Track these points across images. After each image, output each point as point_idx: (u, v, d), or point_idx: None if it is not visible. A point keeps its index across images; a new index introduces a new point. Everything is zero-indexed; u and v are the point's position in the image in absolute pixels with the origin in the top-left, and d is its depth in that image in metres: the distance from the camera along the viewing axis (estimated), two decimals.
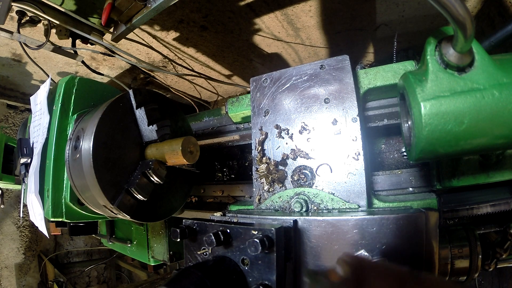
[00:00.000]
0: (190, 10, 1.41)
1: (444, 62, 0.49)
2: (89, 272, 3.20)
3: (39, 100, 1.03)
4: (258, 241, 0.46)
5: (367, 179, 0.65)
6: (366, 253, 0.48)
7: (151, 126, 0.78)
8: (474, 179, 0.70)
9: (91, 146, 0.70)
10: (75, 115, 0.92)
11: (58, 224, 1.26)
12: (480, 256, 0.76)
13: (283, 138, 0.74)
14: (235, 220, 0.63)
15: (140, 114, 0.79)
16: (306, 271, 0.45)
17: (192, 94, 2.36)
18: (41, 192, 0.91)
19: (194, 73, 1.88)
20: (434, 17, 1.44)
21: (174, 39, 1.65)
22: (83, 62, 1.44)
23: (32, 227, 2.71)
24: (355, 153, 0.66)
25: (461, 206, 0.74)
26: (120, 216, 0.79)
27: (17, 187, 1.37)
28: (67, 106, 0.93)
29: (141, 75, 2.12)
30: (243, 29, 1.58)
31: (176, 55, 1.83)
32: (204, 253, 0.56)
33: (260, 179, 0.73)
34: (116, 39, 1.20)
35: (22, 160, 1.01)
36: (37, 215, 0.93)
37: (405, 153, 0.81)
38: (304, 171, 0.70)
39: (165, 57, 1.84)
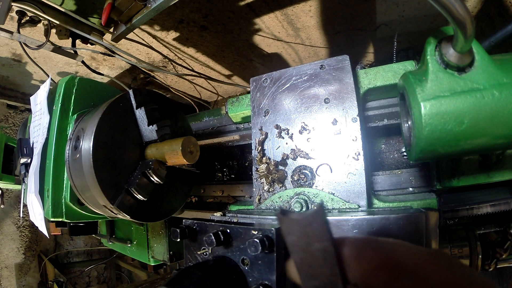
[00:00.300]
0: (190, 10, 1.41)
1: (444, 62, 0.49)
2: (89, 272, 3.20)
3: (39, 100, 1.03)
4: (258, 241, 0.46)
5: (367, 179, 0.65)
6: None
7: (151, 126, 0.78)
8: (474, 179, 0.70)
9: (91, 146, 0.70)
10: (75, 115, 0.92)
11: (58, 224, 1.26)
12: (480, 256, 0.76)
13: (283, 138, 0.74)
14: (235, 220, 0.63)
15: (140, 114, 0.79)
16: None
17: (192, 94, 2.36)
18: (41, 192, 0.91)
19: (194, 73, 1.88)
20: (434, 17, 1.44)
21: (174, 39, 1.65)
22: (83, 62, 1.44)
23: (32, 227, 2.71)
24: (355, 153, 0.66)
25: (461, 206, 0.74)
26: (120, 216, 0.79)
27: (17, 187, 1.37)
28: (67, 106, 0.93)
29: (141, 75, 2.12)
30: (243, 29, 1.58)
31: (176, 55, 1.83)
32: (204, 253, 0.56)
33: (260, 179, 0.73)
34: (116, 39, 1.20)
35: (22, 160, 1.01)
36: (37, 215, 0.93)
37: (405, 153, 0.81)
38: (304, 171, 0.70)
39: (165, 57, 1.84)
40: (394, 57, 1.00)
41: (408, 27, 1.53)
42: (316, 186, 0.68)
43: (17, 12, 1.17)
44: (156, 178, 0.74)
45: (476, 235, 0.77)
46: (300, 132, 0.72)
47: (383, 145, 0.86)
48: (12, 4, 1.04)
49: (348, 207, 0.63)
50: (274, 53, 1.83)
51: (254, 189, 0.75)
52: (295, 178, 0.70)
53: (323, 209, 0.23)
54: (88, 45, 1.30)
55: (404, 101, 0.57)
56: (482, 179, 0.69)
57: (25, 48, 1.26)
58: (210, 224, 0.57)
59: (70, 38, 1.25)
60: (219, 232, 0.53)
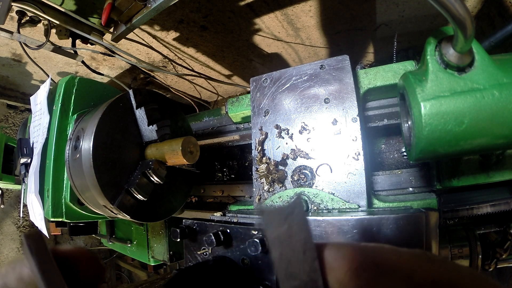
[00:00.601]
0: (190, 10, 1.41)
1: (444, 62, 0.49)
2: None
3: (39, 100, 1.03)
4: (258, 241, 0.46)
5: (367, 179, 0.65)
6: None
7: (151, 126, 0.78)
8: (474, 179, 0.70)
9: (91, 146, 0.70)
10: (75, 115, 0.92)
11: (58, 224, 1.26)
12: (480, 256, 0.76)
13: (283, 138, 0.74)
14: (235, 220, 0.63)
15: (140, 114, 0.79)
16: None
17: (192, 94, 2.36)
18: (41, 192, 0.91)
19: (194, 73, 1.88)
20: (434, 17, 1.44)
21: (174, 39, 1.65)
22: (83, 62, 1.44)
23: (32, 227, 2.71)
24: (355, 153, 0.66)
25: (461, 206, 0.74)
26: (120, 216, 0.79)
27: (17, 187, 1.37)
28: (67, 106, 0.93)
29: (141, 75, 2.12)
30: (243, 29, 1.58)
31: (176, 55, 1.83)
32: (204, 253, 0.56)
33: (260, 179, 0.73)
34: (116, 39, 1.20)
35: (22, 160, 1.01)
36: (37, 215, 0.93)
37: (405, 153, 0.81)
38: (304, 171, 0.70)
39: (165, 57, 1.84)
40: (394, 57, 1.00)
41: (408, 27, 1.53)
42: (316, 186, 0.68)
43: (17, 12, 1.17)
44: (156, 178, 0.74)
45: (476, 235, 0.77)
46: (300, 132, 0.72)
47: (383, 145, 0.86)
48: (12, 4, 1.04)
49: (348, 207, 0.63)
50: (274, 53, 1.83)
51: (254, 189, 0.75)
52: (295, 178, 0.70)
53: (301, 200, 0.23)
54: (88, 45, 1.30)
55: (404, 101, 0.57)
56: (482, 179, 0.69)
57: (25, 48, 1.26)
58: (210, 224, 0.57)
59: (70, 38, 1.25)
60: (219, 232, 0.53)
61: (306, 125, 0.72)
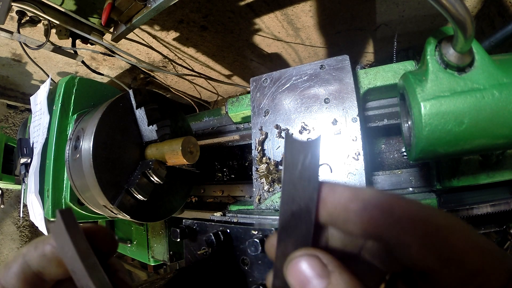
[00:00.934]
0: (190, 10, 1.41)
1: (444, 62, 0.49)
2: None
3: (39, 100, 1.03)
4: (258, 241, 0.46)
5: (367, 179, 0.65)
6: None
7: (151, 126, 0.78)
8: (474, 179, 0.70)
9: (91, 146, 0.70)
10: (75, 115, 0.92)
11: None
12: None
13: (283, 138, 0.74)
14: (235, 220, 0.63)
15: (140, 114, 0.79)
16: None
17: (192, 94, 2.36)
18: (41, 192, 0.91)
19: (194, 73, 1.88)
20: (434, 17, 1.44)
21: (174, 39, 1.65)
22: (83, 62, 1.44)
23: (32, 227, 2.71)
24: (355, 153, 0.66)
25: (461, 206, 0.74)
26: (120, 216, 0.79)
27: (17, 187, 1.37)
28: (67, 106, 0.93)
29: (141, 75, 2.12)
30: (243, 29, 1.58)
31: (176, 55, 1.83)
32: (204, 253, 0.56)
33: (260, 179, 0.73)
34: (116, 39, 1.20)
35: (22, 160, 1.01)
36: (37, 215, 0.93)
37: (405, 153, 0.81)
38: None
39: (165, 57, 1.84)
40: (394, 57, 1.00)
41: (408, 27, 1.53)
42: None
43: (17, 12, 1.17)
44: (156, 178, 0.74)
45: None
46: (300, 132, 0.72)
47: (383, 145, 0.86)
48: (12, 4, 1.04)
49: None
50: (274, 53, 1.83)
51: (254, 189, 0.75)
52: None
53: (320, 139, 0.27)
54: (88, 45, 1.30)
55: (404, 101, 0.57)
56: (482, 179, 0.69)
57: (25, 48, 1.26)
58: (210, 224, 0.57)
59: (70, 38, 1.24)
60: (219, 232, 0.53)
61: (306, 125, 0.72)
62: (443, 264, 0.21)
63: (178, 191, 0.90)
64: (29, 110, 1.40)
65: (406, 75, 0.53)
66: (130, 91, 0.80)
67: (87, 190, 0.76)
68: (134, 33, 1.52)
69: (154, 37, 1.62)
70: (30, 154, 0.99)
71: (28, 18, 1.23)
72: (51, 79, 1.03)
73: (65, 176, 0.89)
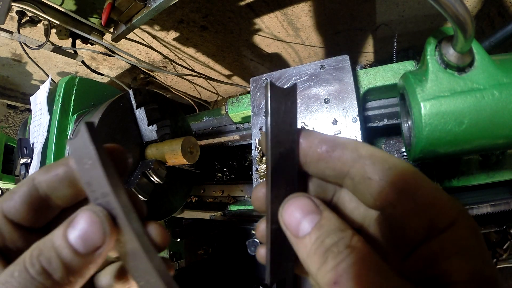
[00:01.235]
0: (190, 10, 1.41)
1: (444, 62, 0.49)
2: None
3: (39, 100, 1.03)
4: (258, 241, 0.46)
5: None
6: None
7: (151, 126, 0.78)
8: (474, 179, 0.70)
9: None
10: (75, 115, 0.92)
11: None
12: None
13: None
14: (235, 220, 0.63)
15: (140, 114, 0.79)
16: None
17: (192, 94, 2.36)
18: None
19: (194, 73, 1.88)
20: (434, 17, 1.44)
21: (174, 39, 1.65)
22: (83, 62, 1.44)
23: None
24: None
25: None
26: None
27: None
28: (67, 106, 0.93)
29: (141, 75, 2.12)
30: (243, 29, 1.58)
31: (176, 55, 1.83)
32: (204, 253, 0.56)
33: (260, 179, 0.73)
34: (116, 39, 1.20)
35: (22, 160, 1.01)
36: None
37: (405, 153, 0.81)
38: None
39: (165, 57, 1.84)
40: (394, 57, 0.99)
41: (408, 27, 1.53)
42: None
43: (17, 12, 1.17)
44: (156, 178, 0.74)
45: None
46: None
47: (383, 145, 0.86)
48: (12, 4, 1.04)
49: None
50: (274, 53, 1.83)
51: None
52: None
53: (297, 85, 0.29)
54: (88, 45, 1.30)
55: (404, 101, 0.57)
56: (482, 179, 0.69)
57: (25, 48, 1.26)
58: (210, 224, 0.57)
59: (70, 38, 1.24)
60: (219, 232, 0.53)
61: (306, 125, 0.72)
62: (397, 197, 0.24)
63: (178, 191, 0.90)
64: (29, 110, 1.40)
65: (406, 75, 0.53)
66: (130, 91, 0.80)
67: None
68: (134, 33, 1.52)
69: (154, 37, 1.62)
70: (30, 154, 0.99)
71: (28, 18, 1.23)
72: (51, 79, 1.03)
73: None
